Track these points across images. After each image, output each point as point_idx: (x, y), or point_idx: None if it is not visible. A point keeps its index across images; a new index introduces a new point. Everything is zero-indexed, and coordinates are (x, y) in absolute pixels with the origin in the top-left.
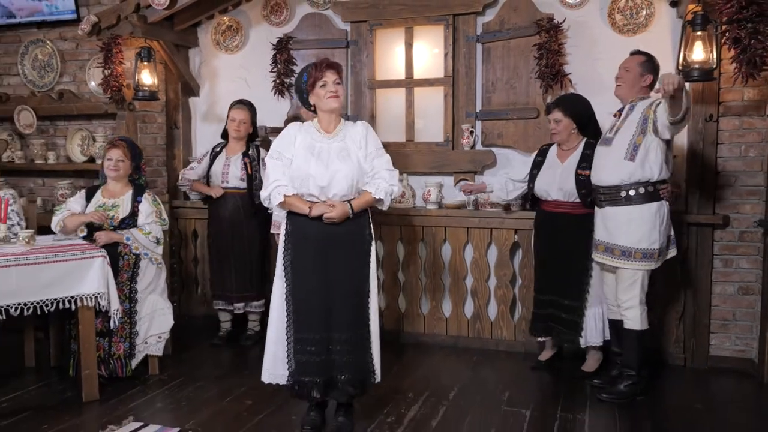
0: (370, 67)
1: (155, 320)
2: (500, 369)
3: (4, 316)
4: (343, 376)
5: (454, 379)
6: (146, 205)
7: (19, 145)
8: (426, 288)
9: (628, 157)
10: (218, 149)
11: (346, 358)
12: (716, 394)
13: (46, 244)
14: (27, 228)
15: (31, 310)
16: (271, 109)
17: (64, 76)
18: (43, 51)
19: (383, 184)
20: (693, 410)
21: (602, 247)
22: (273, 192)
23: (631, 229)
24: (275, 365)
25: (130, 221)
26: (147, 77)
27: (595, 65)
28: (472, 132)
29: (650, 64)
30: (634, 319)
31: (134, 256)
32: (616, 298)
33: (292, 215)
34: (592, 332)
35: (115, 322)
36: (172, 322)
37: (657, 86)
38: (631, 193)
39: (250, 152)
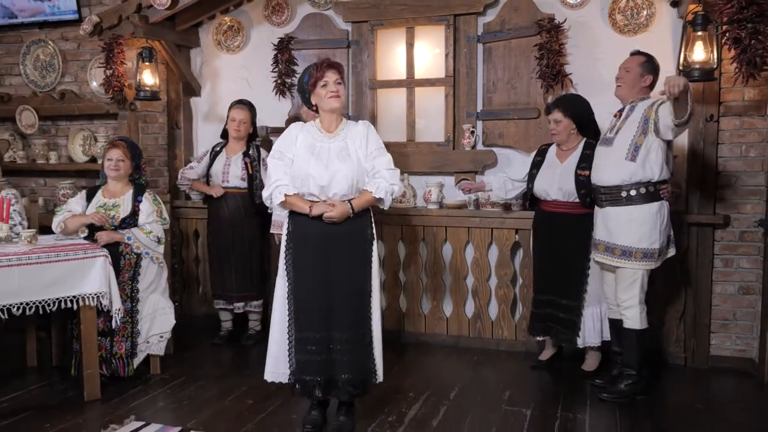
0: (371, 67)
1: (157, 320)
2: (501, 369)
3: (6, 316)
4: (343, 376)
5: (454, 379)
6: (147, 205)
7: (20, 145)
8: (427, 288)
9: (629, 157)
10: (218, 149)
11: (347, 357)
12: (717, 393)
13: (48, 244)
14: (29, 228)
15: (33, 309)
16: (273, 109)
17: (66, 77)
18: (45, 51)
19: (383, 183)
20: (693, 410)
21: (603, 246)
22: (274, 192)
23: (632, 229)
24: (278, 364)
25: (130, 221)
26: (148, 77)
27: (595, 65)
28: (473, 132)
29: (650, 64)
30: (634, 318)
31: (135, 256)
32: (616, 298)
33: (293, 215)
34: (591, 332)
35: (116, 321)
36: (174, 321)
37: (662, 89)
38: (632, 193)
39: (250, 152)
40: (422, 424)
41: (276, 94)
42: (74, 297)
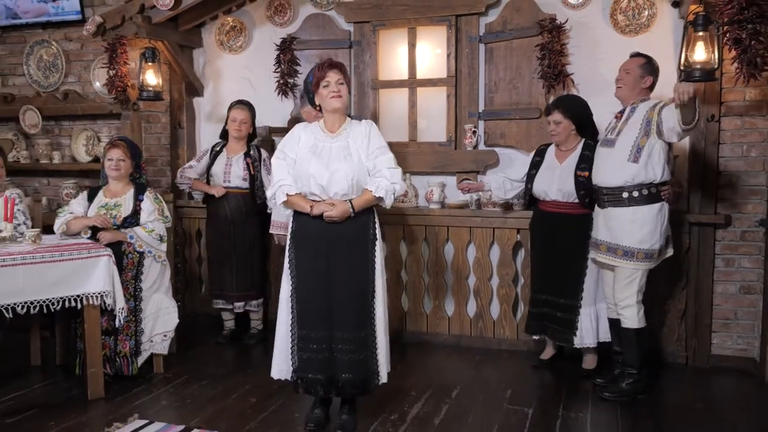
0: (373, 68)
1: (160, 319)
2: (502, 368)
3: (11, 315)
4: (344, 375)
5: (456, 378)
6: (148, 203)
7: (24, 145)
8: (429, 287)
9: (632, 158)
10: (218, 149)
11: (348, 357)
12: (718, 393)
13: (52, 243)
14: (32, 227)
15: (37, 308)
16: (275, 110)
17: (69, 77)
18: (48, 51)
19: (384, 182)
20: (694, 409)
21: (605, 247)
22: (277, 192)
23: (634, 230)
24: (283, 362)
25: (132, 220)
26: (151, 77)
27: (597, 65)
28: (474, 132)
29: (650, 66)
30: (632, 317)
31: (138, 254)
32: (614, 297)
33: (296, 215)
34: (588, 333)
35: (120, 320)
36: (177, 320)
37: (672, 96)
38: (635, 194)
39: (251, 153)
40: (424, 423)
41: (278, 94)
42: (78, 296)
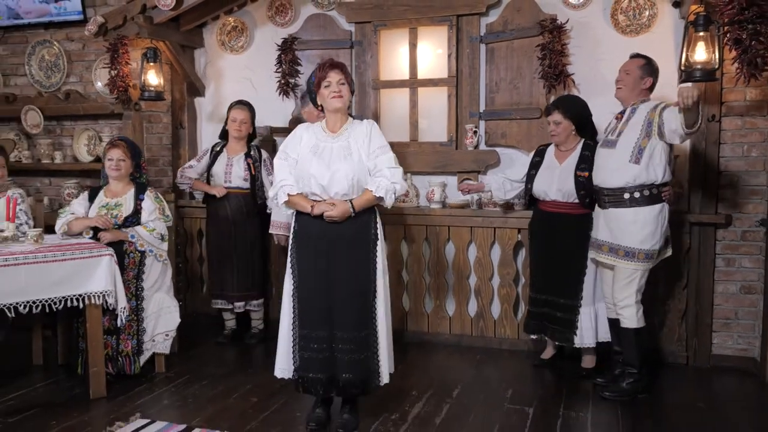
0: (374, 68)
1: (162, 318)
2: (503, 367)
3: (13, 314)
4: (344, 375)
5: (457, 377)
6: (149, 203)
7: (26, 145)
8: (430, 287)
9: (633, 159)
10: (218, 149)
11: (348, 357)
12: (718, 392)
13: (54, 243)
14: (35, 227)
15: (39, 308)
16: (276, 110)
17: (71, 77)
18: (50, 51)
19: (384, 182)
20: (695, 409)
21: (606, 247)
22: (279, 191)
23: (635, 231)
24: (286, 361)
25: (133, 219)
26: (153, 77)
27: (598, 66)
28: (475, 132)
29: (650, 67)
30: (631, 317)
31: (139, 254)
32: (613, 297)
33: (298, 215)
34: (588, 333)
35: (122, 319)
36: (179, 320)
37: (675, 98)
38: (636, 195)
39: (252, 153)
40: (425, 422)
41: (279, 94)
42: (80, 295)
